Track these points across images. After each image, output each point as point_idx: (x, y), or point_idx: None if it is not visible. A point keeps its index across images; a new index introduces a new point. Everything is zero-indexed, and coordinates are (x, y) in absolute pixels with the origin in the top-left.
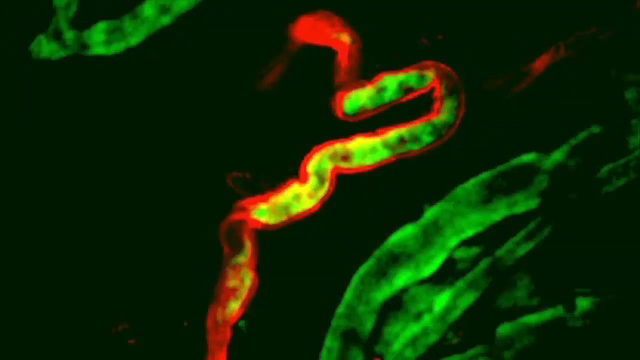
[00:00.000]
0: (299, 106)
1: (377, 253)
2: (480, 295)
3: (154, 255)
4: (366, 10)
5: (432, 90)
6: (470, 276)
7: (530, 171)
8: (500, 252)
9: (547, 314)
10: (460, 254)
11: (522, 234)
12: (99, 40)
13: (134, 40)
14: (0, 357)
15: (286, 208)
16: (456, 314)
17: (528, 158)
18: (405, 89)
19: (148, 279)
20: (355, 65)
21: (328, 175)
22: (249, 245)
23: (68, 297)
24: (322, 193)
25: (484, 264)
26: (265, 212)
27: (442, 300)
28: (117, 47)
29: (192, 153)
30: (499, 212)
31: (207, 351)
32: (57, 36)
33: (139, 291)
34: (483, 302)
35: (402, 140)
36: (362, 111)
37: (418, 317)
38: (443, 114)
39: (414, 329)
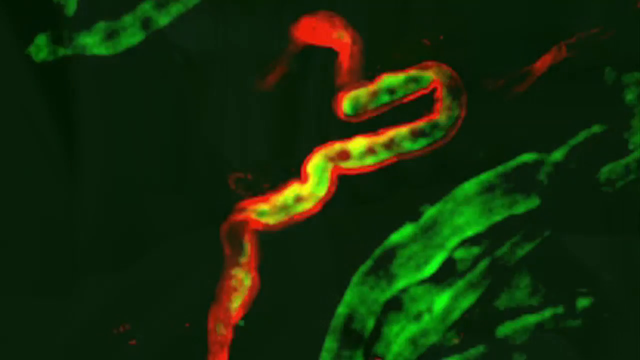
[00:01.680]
0: (300, 106)
1: (377, 253)
2: (480, 295)
3: (155, 256)
4: (367, 10)
5: (434, 90)
6: (469, 276)
7: (530, 171)
8: (500, 252)
9: (547, 313)
10: (459, 254)
11: (521, 233)
12: (98, 40)
13: (134, 39)
14: (0, 356)
15: (287, 208)
16: (456, 313)
17: (528, 158)
18: (407, 89)
19: (149, 280)
20: (357, 66)
21: (329, 176)
22: (249, 246)
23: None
24: (322, 193)
25: (483, 263)
26: (266, 212)
27: (441, 300)
28: (117, 47)
29: (193, 154)
30: (498, 212)
31: (208, 352)
32: (56, 36)
33: (140, 291)
34: (483, 302)
35: (403, 141)
36: (362, 111)
37: (418, 317)
38: (444, 114)
39: (414, 329)
